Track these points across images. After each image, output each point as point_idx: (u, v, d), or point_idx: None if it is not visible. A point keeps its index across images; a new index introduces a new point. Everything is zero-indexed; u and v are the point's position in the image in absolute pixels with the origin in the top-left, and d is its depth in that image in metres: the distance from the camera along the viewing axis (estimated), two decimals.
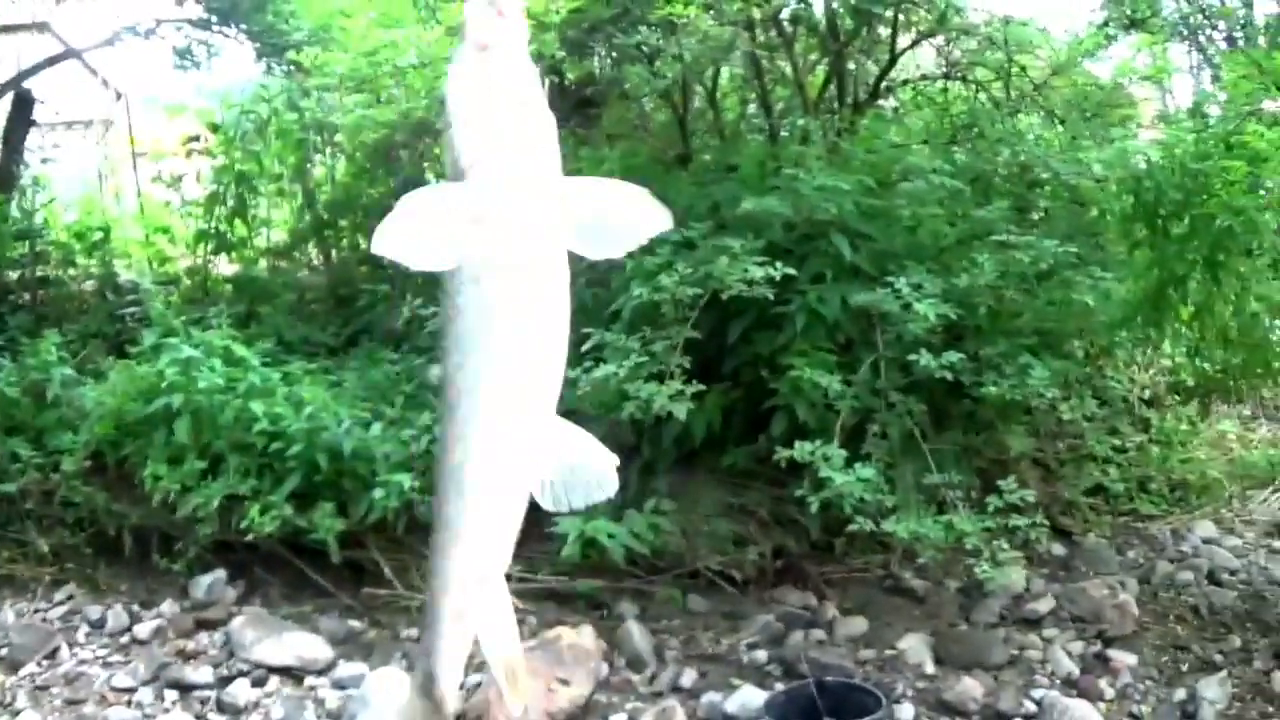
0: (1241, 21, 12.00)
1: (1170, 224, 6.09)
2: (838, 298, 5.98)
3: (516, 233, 2.34)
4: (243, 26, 10.82)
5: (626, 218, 2.40)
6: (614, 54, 6.83)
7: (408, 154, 7.50)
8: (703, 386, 5.77)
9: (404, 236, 2.31)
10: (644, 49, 6.61)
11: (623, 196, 2.40)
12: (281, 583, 6.56)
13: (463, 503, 2.51)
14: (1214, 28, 10.08)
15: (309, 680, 5.71)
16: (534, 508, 2.59)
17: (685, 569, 6.37)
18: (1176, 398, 8.02)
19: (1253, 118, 5.98)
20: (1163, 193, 6.03)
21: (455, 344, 2.45)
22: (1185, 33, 10.32)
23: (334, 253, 8.19)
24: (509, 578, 6.28)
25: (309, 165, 8.18)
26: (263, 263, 8.35)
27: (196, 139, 8.47)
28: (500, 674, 2.68)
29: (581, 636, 5.57)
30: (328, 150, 8.27)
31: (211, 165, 8.17)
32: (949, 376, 5.63)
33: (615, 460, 2.51)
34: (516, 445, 2.46)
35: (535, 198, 2.36)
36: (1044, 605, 6.34)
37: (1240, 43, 11.25)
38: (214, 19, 11.08)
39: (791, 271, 5.81)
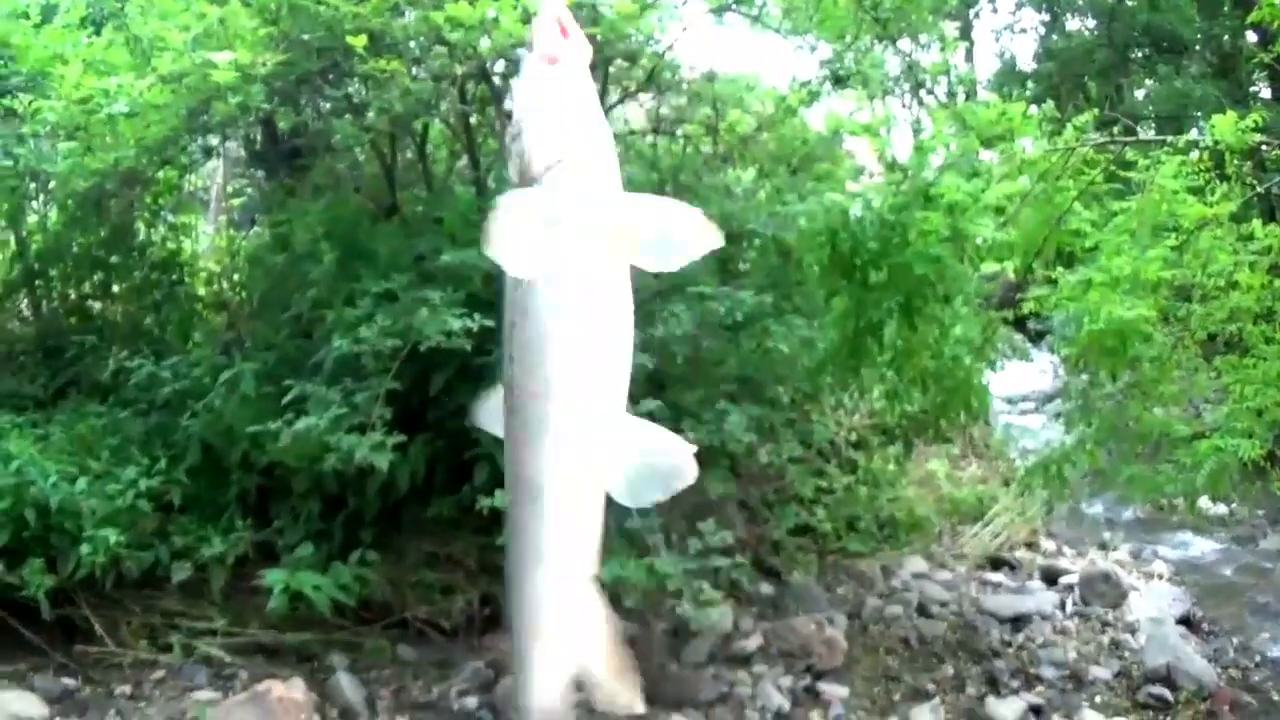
0: (960, 77, 12.64)
1: (867, 273, 6.34)
2: None
3: (590, 236, 2.37)
4: None
5: (683, 234, 2.41)
6: (324, 106, 6.82)
7: (117, 203, 7.36)
8: (405, 437, 5.82)
9: (509, 239, 2.32)
10: (352, 101, 6.64)
11: (679, 215, 2.42)
12: None
13: (541, 512, 2.46)
14: (931, 81, 10.50)
15: None
16: None
17: (394, 619, 6.41)
18: (882, 438, 8.34)
19: (952, 170, 6.27)
20: (860, 243, 6.27)
21: (523, 349, 2.42)
22: (906, 88, 10.70)
23: (44, 303, 7.99)
24: (215, 632, 6.27)
25: (22, 214, 7.96)
26: None
27: None
28: (614, 688, 2.57)
29: (292, 689, 5.57)
30: (41, 198, 8.06)
31: None
32: None
33: (691, 448, 2.47)
34: (590, 447, 2.43)
35: (604, 205, 2.41)
36: (753, 643, 6.54)
37: (960, 97, 11.83)
38: None
39: (490, 324, 5.89)
